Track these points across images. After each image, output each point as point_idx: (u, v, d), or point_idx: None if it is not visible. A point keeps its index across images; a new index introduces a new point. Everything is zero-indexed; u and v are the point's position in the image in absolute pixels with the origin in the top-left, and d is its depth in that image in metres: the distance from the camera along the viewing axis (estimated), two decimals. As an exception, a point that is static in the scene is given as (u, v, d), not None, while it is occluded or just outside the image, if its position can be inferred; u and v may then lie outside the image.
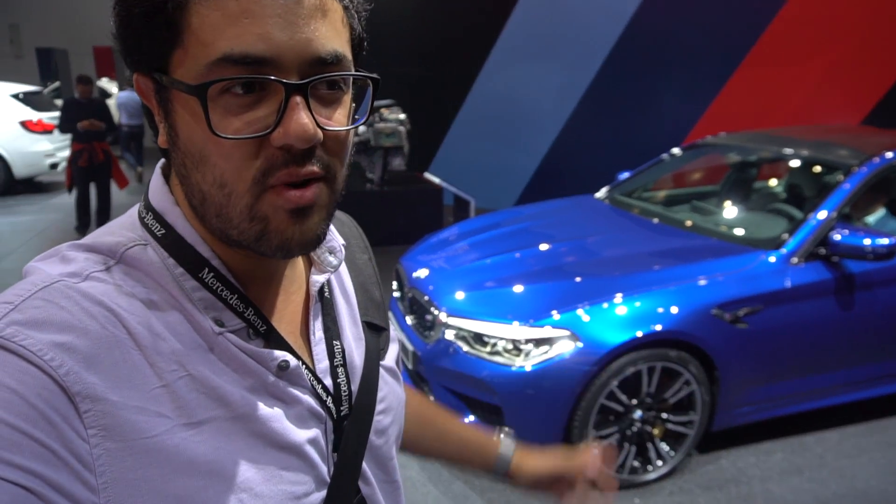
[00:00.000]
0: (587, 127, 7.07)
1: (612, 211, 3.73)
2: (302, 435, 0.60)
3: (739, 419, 2.90)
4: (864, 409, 3.27)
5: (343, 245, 0.70)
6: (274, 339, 0.61)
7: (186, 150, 0.54)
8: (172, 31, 0.50)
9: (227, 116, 0.51)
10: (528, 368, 2.57)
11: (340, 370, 0.67)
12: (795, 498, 2.70)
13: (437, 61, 7.10)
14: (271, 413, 0.58)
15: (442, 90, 7.33)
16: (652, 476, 2.74)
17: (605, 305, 2.62)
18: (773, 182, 3.96)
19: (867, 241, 2.78)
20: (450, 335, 2.78)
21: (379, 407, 0.71)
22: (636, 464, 2.74)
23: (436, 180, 4.85)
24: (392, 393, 0.75)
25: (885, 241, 2.74)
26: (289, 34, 0.50)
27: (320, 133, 0.52)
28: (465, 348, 2.72)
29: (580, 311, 2.60)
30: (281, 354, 0.60)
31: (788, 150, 3.62)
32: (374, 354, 0.73)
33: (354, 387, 0.68)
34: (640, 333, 2.56)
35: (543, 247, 3.21)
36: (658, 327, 2.59)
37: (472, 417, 2.78)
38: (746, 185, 4.07)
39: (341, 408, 0.65)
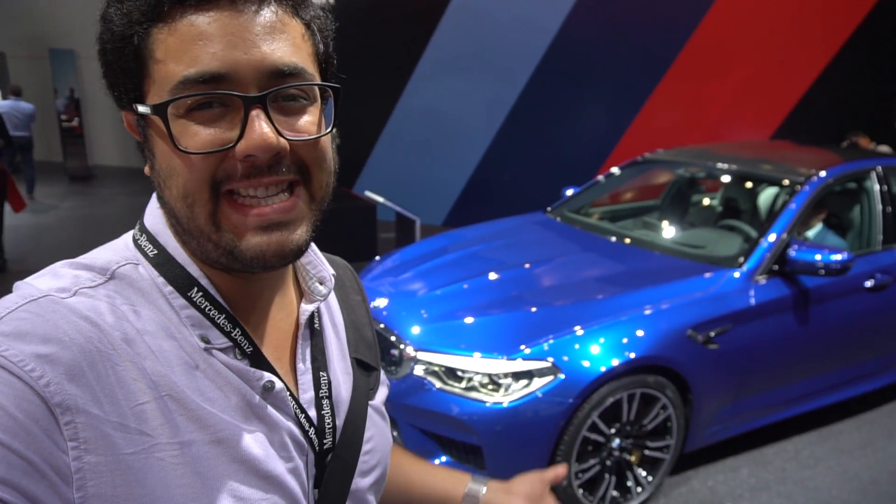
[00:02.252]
0: (516, 141, 7.09)
1: (569, 230, 3.68)
2: (283, 464, 0.60)
3: (709, 439, 2.91)
4: (815, 418, 3.38)
5: (333, 275, 0.71)
6: (260, 361, 0.61)
7: (160, 169, 0.56)
8: (140, 63, 0.54)
9: (193, 133, 0.53)
10: (506, 404, 2.44)
11: (326, 402, 0.66)
12: (768, 515, 2.72)
13: (363, 75, 6.90)
14: (253, 437, 0.57)
15: (368, 104, 7.13)
16: (633, 503, 2.68)
17: (586, 333, 2.53)
18: (717, 197, 4.05)
19: (818, 258, 2.86)
20: (419, 371, 2.60)
21: (365, 447, 0.70)
22: (615, 493, 2.67)
23: (379, 199, 4.65)
24: (380, 434, 0.74)
25: (837, 257, 2.83)
26: (243, 51, 0.52)
27: (283, 141, 0.54)
28: (438, 384, 2.55)
29: (560, 341, 2.50)
30: (266, 375, 0.60)
31: (732, 167, 3.71)
32: (364, 393, 0.72)
33: (339, 421, 0.67)
34: (619, 361, 2.49)
35: (511, 271, 3.08)
36: (634, 354, 2.53)
37: (444, 458, 2.62)
38: (694, 201, 4.15)
39: (324, 441, 0.65)
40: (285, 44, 0.54)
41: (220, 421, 0.55)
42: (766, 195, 3.83)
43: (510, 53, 6.81)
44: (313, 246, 0.70)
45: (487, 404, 2.45)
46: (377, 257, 3.68)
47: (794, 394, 3.10)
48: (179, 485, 0.52)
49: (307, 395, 0.65)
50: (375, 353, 0.80)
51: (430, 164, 7.27)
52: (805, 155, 3.89)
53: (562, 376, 2.43)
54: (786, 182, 3.34)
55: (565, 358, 2.46)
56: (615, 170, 4.21)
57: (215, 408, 0.56)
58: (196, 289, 0.59)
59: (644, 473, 2.71)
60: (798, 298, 2.95)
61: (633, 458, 2.69)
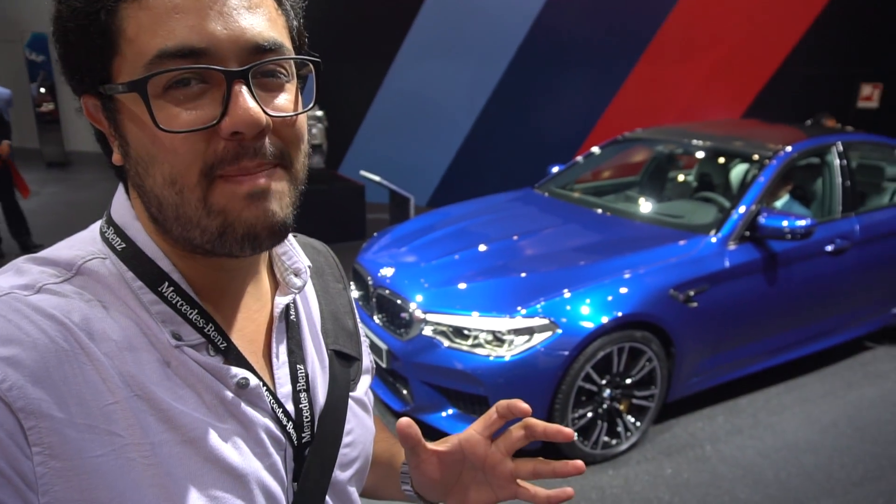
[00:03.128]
0: (498, 122, 7.31)
1: (556, 204, 3.94)
2: (259, 461, 0.59)
3: (690, 389, 3.21)
4: (782, 371, 3.72)
5: (309, 266, 0.69)
6: (234, 357, 0.59)
7: (137, 156, 0.53)
8: (107, 39, 0.51)
9: (172, 112, 0.51)
10: (508, 358, 2.70)
11: (303, 395, 0.65)
12: (742, 454, 3.04)
13: (348, 58, 7.03)
14: (226, 437, 0.56)
15: (352, 87, 7.27)
16: (623, 447, 2.97)
17: (580, 293, 2.80)
18: (692, 172, 4.34)
19: (785, 224, 3.16)
20: (428, 331, 2.84)
21: (346, 439, 0.69)
22: (607, 439, 2.95)
23: (375, 178, 4.84)
24: (361, 426, 0.73)
25: (802, 222, 3.13)
26: (222, 24, 0.50)
27: (267, 118, 0.52)
28: (446, 343, 2.80)
29: (557, 301, 2.76)
30: (240, 371, 0.58)
31: (706, 144, 4.00)
32: (343, 384, 0.71)
33: (317, 414, 0.66)
34: (609, 318, 2.75)
35: (507, 240, 3.34)
36: (623, 311, 2.80)
37: (451, 410, 2.87)
38: (671, 176, 4.44)
39: (303, 434, 0.64)
40: (263, 18, 0.53)
41: (192, 420, 0.54)
42: (738, 169, 4.13)
43: (492, 37, 7.01)
44: (290, 236, 0.69)
45: (491, 358, 2.70)
46: (375, 234, 3.89)
47: (764, 348, 3.42)
48: (151, 485, 0.51)
49: (284, 388, 0.64)
50: (357, 342, 0.77)
51: (414, 145, 7.46)
52: (772, 132, 4.20)
53: (559, 331, 2.70)
54: (755, 157, 3.63)
55: (564, 315, 2.73)
56: (595, 149, 4.47)
57: (187, 406, 0.54)
58: (167, 283, 0.57)
59: (632, 420, 3.00)
60: (767, 261, 3.25)
61: (622, 407, 2.97)
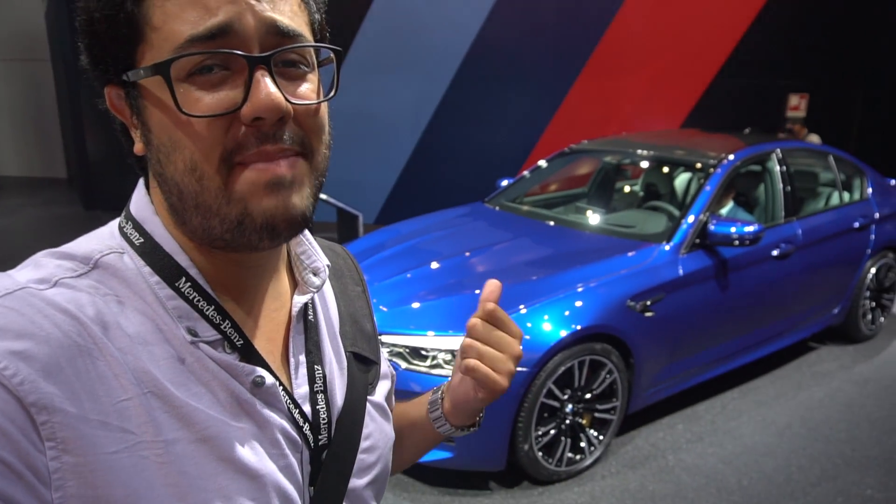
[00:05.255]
0: (444, 137, 7.28)
1: (507, 217, 3.89)
2: (274, 462, 0.58)
3: (649, 399, 3.19)
4: (736, 376, 3.76)
5: (328, 266, 0.69)
6: (250, 355, 0.59)
7: (159, 142, 0.53)
8: (133, 28, 0.51)
9: (195, 96, 0.51)
10: (469, 377, 2.60)
11: (320, 397, 0.64)
12: (703, 462, 3.03)
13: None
14: (241, 436, 0.55)
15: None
16: (587, 462, 2.91)
17: (537, 308, 2.74)
18: (639, 182, 4.38)
19: (733, 230, 3.21)
20: (384, 353, 2.72)
21: (364, 444, 0.68)
22: (571, 455, 2.89)
23: (321, 196, 4.70)
24: (379, 431, 0.71)
25: (750, 228, 3.18)
26: (249, 11, 0.51)
27: (289, 104, 0.52)
28: (403, 365, 2.68)
29: (514, 317, 2.69)
30: (256, 369, 0.58)
31: (651, 153, 4.05)
32: (362, 387, 0.70)
33: (335, 416, 0.65)
34: (568, 331, 2.70)
35: (460, 257, 3.26)
36: (582, 324, 2.75)
37: (411, 434, 2.75)
38: (619, 186, 4.48)
39: (319, 437, 0.63)
40: (286, 7, 0.54)
41: (207, 418, 0.53)
42: (682, 178, 4.19)
43: (434, 52, 6.99)
44: (308, 234, 0.69)
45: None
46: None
47: (719, 354, 3.45)
48: (164, 484, 0.50)
49: (301, 389, 0.63)
50: (375, 346, 0.77)
51: (360, 162, 7.33)
52: (713, 141, 4.29)
53: (519, 348, 2.62)
54: (699, 165, 3.69)
55: (522, 330, 2.65)
56: (542, 162, 4.46)
57: (202, 404, 0.53)
58: (184, 279, 0.56)
59: (595, 434, 2.95)
60: (718, 267, 3.29)
61: (584, 421, 2.92)
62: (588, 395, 2.88)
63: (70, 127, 8.29)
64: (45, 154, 10.95)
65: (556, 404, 2.78)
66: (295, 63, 0.55)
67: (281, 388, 0.60)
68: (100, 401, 0.48)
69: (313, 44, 0.56)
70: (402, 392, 2.62)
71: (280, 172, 0.53)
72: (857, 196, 4.43)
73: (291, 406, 0.61)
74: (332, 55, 0.59)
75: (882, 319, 4.51)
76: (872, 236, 4.27)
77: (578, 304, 2.81)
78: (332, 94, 0.58)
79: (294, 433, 0.60)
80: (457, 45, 7.00)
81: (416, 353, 2.68)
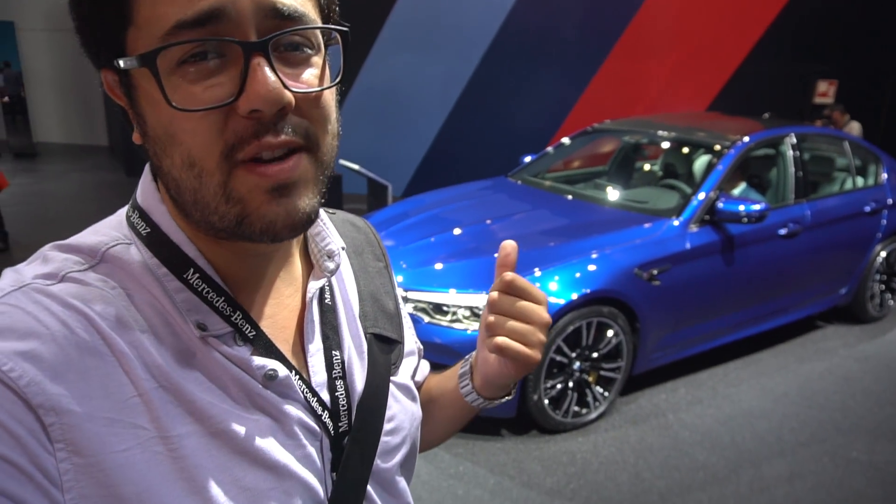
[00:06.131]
0: (471, 114, 7.49)
1: (528, 191, 4.12)
2: (292, 452, 0.56)
3: (653, 363, 3.42)
4: (740, 347, 3.96)
5: (343, 248, 0.67)
6: (263, 346, 0.57)
7: (155, 135, 0.50)
8: (121, 10, 0.48)
9: (187, 88, 0.47)
10: (485, 332, 2.86)
11: (339, 383, 0.62)
12: (701, 422, 3.26)
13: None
14: (256, 428, 0.54)
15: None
16: (592, 416, 3.17)
17: (550, 271, 2.98)
18: (658, 162, 4.56)
19: (741, 208, 3.39)
20: (409, 308, 2.99)
21: (387, 426, 0.66)
22: (577, 408, 3.14)
23: (354, 167, 4.97)
24: (403, 412, 0.69)
25: (756, 206, 3.36)
26: None
27: (289, 94, 0.48)
28: (426, 319, 2.95)
29: (529, 278, 2.94)
30: (268, 363, 0.56)
31: (670, 134, 4.22)
32: (383, 369, 0.68)
33: (355, 402, 0.64)
34: (578, 294, 2.94)
35: (481, 224, 3.51)
36: (591, 288, 2.99)
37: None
38: (638, 165, 4.67)
39: (339, 424, 0.61)
40: None
41: (220, 411, 0.52)
42: (702, 160, 4.36)
43: (465, 31, 7.18)
44: (323, 215, 0.66)
45: (468, 332, 2.87)
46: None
47: (723, 325, 3.65)
48: (180, 478, 0.49)
49: (319, 377, 0.61)
50: (398, 324, 0.74)
51: (390, 137, 7.59)
52: (732, 124, 4.44)
53: (532, 307, 2.87)
54: (716, 147, 3.86)
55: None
56: (566, 140, 4.67)
57: (214, 398, 0.52)
58: (192, 270, 0.54)
59: (601, 391, 3.20)
60: (725, 243, 3.48)
61: (591, 378, 3.17)
62: (595, 355, 3.12)
63: (115, 96, 8.68)
64: (88, 122, 11.43)
65: (564, 360, 3.03)
66: (298, 46, 0.51)
67: (297, 376, 0.58)
68: (109, 398, 0.47)
69: (314, 26, 0.51)
70: (425, 343, 2.91)
71: (283, 177, 0.50)
72: (871, 181, 4.55)
73: (309, 395, 0.59)
74: (338, 36, 0.54)
75: (892, 303, 4.65)
76: (884, 221, 4.40)
77: (589, 269, 3.04)
78: (337, 80, 0.54)
79: (312, 422, 0.58)
80: (488, 24, 7.17)
81: (438, 308, 2.95)
